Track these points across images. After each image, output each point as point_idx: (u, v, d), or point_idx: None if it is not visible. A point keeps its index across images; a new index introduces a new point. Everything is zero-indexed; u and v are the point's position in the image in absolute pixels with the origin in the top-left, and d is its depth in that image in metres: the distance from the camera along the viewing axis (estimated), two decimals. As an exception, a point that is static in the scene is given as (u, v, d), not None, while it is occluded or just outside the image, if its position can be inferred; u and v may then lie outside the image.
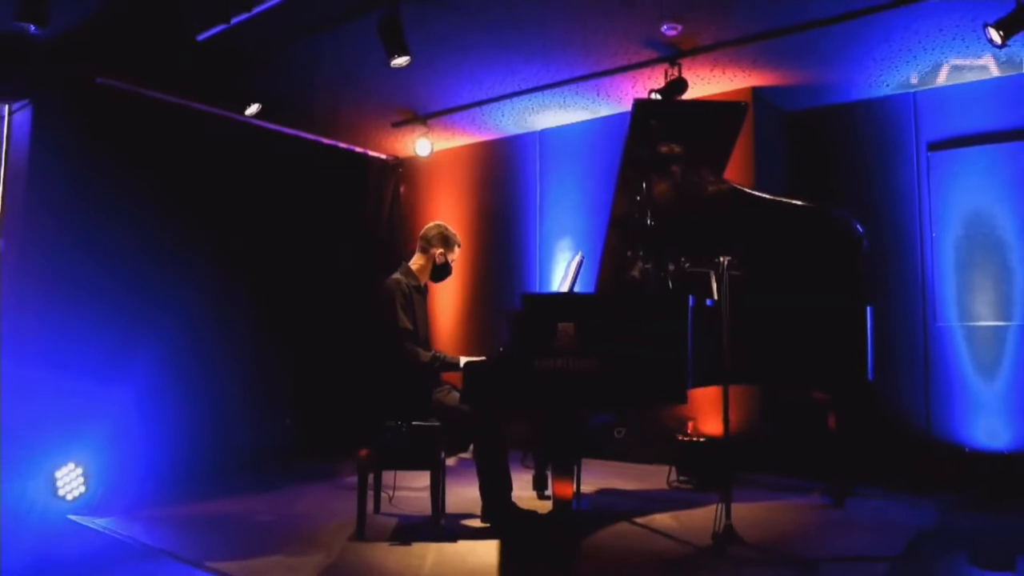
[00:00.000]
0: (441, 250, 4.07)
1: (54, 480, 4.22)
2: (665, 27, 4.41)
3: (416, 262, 4.08)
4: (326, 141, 6.69)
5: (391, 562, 3.28)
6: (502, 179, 6.76)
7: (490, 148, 6.84)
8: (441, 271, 4.11)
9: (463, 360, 3.70)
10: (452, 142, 6.83)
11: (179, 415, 5.17)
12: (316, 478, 5.09)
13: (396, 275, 3.97)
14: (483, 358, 3.63)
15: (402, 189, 7.35)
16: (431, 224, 4.15)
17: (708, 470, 4.80)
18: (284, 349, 6.05)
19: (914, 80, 5.12)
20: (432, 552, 3.40)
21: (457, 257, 4.14)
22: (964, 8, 4.05)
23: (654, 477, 5.00)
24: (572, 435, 3.20)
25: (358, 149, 6.99)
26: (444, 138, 6.65)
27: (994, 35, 3.80)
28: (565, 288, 3.90)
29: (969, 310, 5.02)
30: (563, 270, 4.23)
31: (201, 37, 3.89)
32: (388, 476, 4.17)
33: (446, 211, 6.91)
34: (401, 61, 4.04)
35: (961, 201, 5.08)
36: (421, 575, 3.14)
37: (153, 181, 5.21)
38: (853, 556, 3.37)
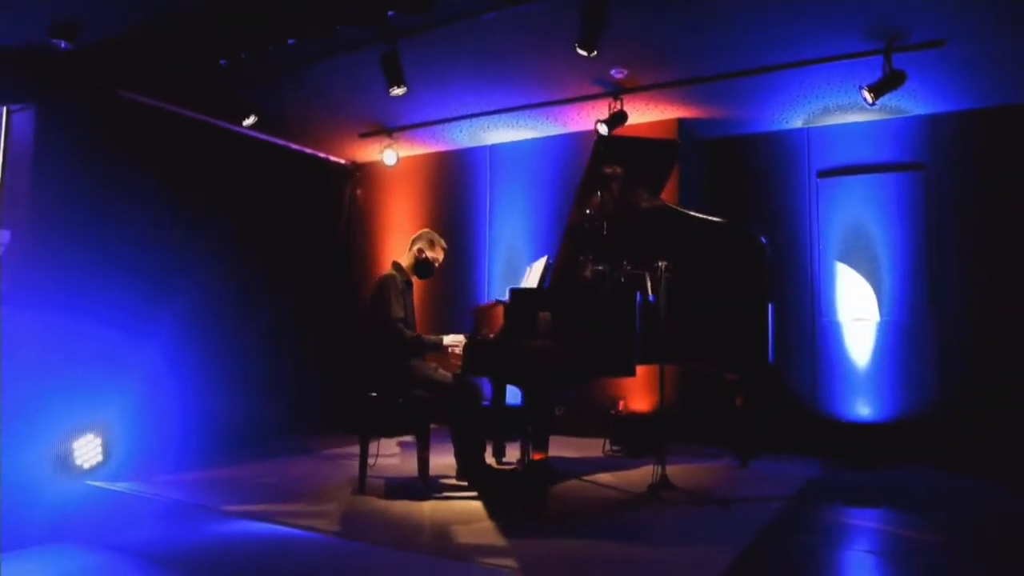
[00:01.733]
0: (420, 246, 4.69)
1: (72, 449, 4.68)
2: (614, 70, 5.26)
3: (405, 260, 4.73)
4: (295, 146, 7.24)
5: (395, 507, 3.96)
6: (455, 187, 7.36)
7: (444, 158, 7.44)
8: (422, 266, 4.69)
9: (445, 339, 4.41)
10: (410, 152, 7.39)
11: (168, 395, 5.68)
12: (296, 452, 5.65)
13: (390, 271, 4.61)
14: (462, 337, 4.37)
15: (359, 192, 7.91)
16: (422, 230, 4.84)
17: (637, 440, 5.66)
18: (264, 332, 6.63)
19: (805, 120, 6.17)
20: (427, 501, 4.10)
21: (441, 258, 4.74)
22: (847, 70, 5.06)
23: (591, 447, 5.79)
24: (550, 409, 3.92)
25: (321, 154, 7.54)
26: (404, 148, 7.19)
27: (867, 95, 4.74)
28: (534, 285, 4.63)
29: (847, 308, 6.11)
30: (526, 271, 4.94)
31: (224, 61, 4.45)
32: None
33: (401, 215, 7.51)
34: (399, 91, 4.67)
35: (842, 220, 6.17)
36: (424, 516, 3.83)
37: (157, 177, 5.85)
38: (757, 497, 4.28)
